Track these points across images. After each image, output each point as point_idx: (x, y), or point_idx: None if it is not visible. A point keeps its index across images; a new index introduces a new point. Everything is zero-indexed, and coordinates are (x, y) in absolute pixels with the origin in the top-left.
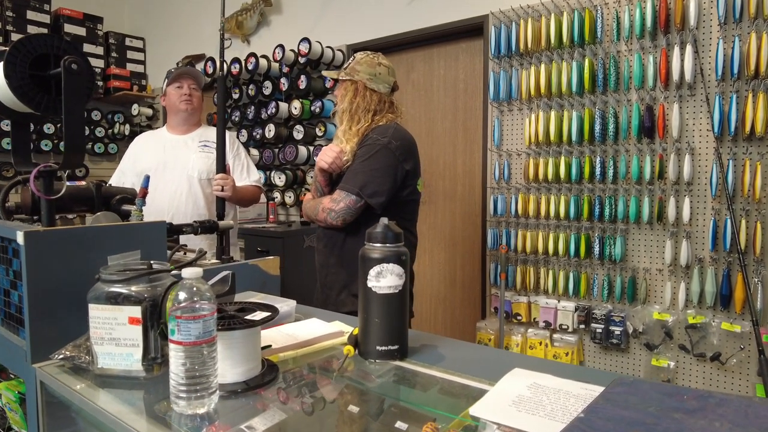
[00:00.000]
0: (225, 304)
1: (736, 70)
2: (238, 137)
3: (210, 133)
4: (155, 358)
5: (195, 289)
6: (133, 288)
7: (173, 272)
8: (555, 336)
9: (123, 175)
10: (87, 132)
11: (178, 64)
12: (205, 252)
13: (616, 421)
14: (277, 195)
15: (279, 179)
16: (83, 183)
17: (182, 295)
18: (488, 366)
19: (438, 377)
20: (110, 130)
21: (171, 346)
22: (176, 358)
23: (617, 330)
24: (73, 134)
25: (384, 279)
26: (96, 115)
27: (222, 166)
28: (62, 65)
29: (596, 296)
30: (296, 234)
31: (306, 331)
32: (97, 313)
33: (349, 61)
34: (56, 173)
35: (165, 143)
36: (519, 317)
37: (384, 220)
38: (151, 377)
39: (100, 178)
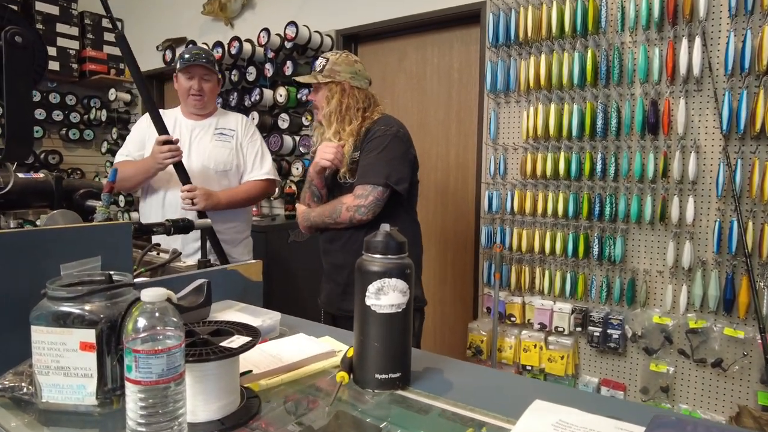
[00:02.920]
0: (197, 325)
1: (746, 65)
2: None
3: (228, 120)
4: (114, 389)
5: (158, 314)
6: (87, 306)
7: (141, 279)
8: (550, 338)
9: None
10: (61, 117)
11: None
12: (179, 253)
13: None
14: None
15: None
16: (40, 175)
17: (141, 323)
18: (503, 396)
19: (449, 411)
20: (86, 116)
21: (127, 384)
22: (134, 399)
23: (615, 333)
24: (16, 121)
25: (385, 296)
26: (71, 100)
27: (185, 179)
28: (3, 37)
29: (594, 298)
30: (280, 228)
31: (292, 350)
32: (41, 336)
33: (321, 63)
34: None
35: (180, 128)
36: (513, 318)
37: (385, 227)
38: (108, 412)
39: (75, 166)
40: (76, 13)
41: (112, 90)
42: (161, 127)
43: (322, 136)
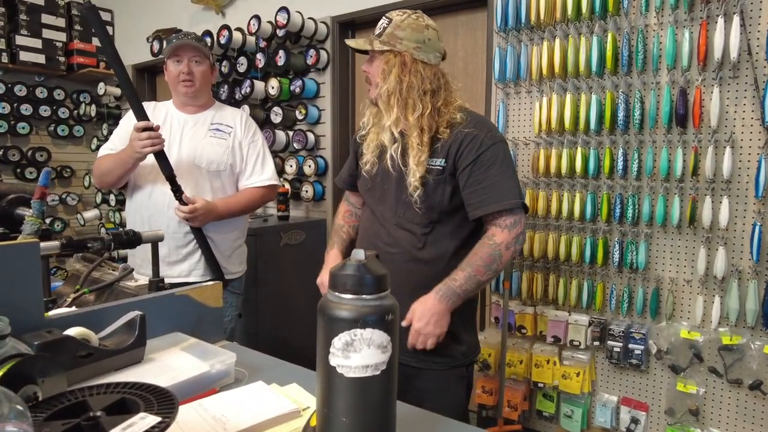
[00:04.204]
0: (92, 392)
1: None
2: None
3: (225, 115)
4: None
5: None
6: None
7: (58, 311)
8: (565, 353)
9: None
10: (49, 112)
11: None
12: (131, 270)
13: None
14: None
15: None
16: None
17: None
18: None
19: None
20: (75, 111)
21: None
22: None
23: (637, 349)
24: None
25: (356, 354)
26: (59, 94)
27: (169, 171)
28: None
29: (614, 310)
30: (273, 231)
31: (244, 408)
32: None
33: (382, 25)
34: None
35: (171, 122)
36: (523, 330)
37: (359, 254)
38: None
39: (64, 163)
40: (63, 3)
41: (101, 84)
42: (140, 112)
43: (376, 117)
